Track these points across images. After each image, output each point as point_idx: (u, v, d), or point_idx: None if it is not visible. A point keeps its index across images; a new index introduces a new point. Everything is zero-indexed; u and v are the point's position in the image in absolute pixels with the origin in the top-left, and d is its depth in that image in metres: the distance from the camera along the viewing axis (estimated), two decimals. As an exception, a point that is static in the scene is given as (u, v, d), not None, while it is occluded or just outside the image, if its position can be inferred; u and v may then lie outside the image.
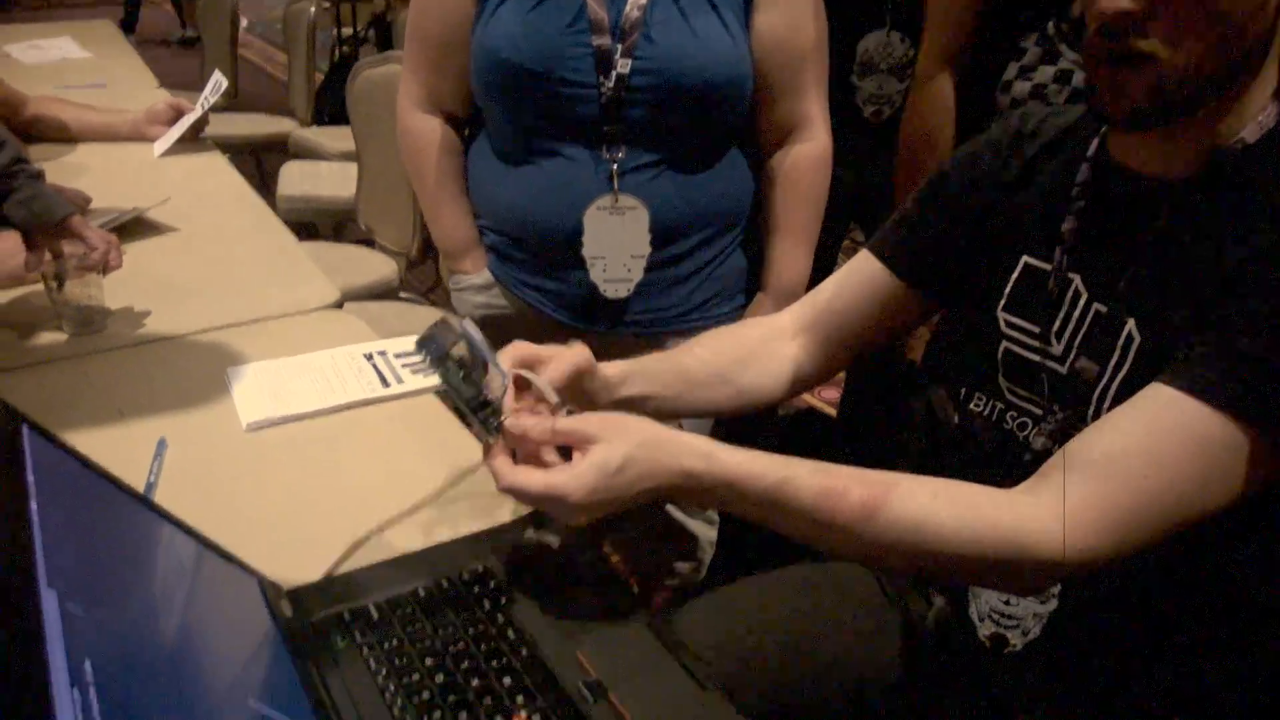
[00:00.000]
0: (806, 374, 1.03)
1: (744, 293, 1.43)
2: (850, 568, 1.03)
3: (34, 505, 0.56)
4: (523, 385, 0.81)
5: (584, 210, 1.25)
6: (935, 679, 0.96)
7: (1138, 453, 0.70)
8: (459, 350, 0.75)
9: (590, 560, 0.90)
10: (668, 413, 0.96)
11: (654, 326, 1.35)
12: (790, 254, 1.39)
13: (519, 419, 0.75)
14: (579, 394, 0.88)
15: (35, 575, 0.51)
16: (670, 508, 1.58)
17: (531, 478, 0.73)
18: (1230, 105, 0.76)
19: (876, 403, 1.69)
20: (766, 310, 1.43)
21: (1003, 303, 0.89)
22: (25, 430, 0.62)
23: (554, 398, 0.80)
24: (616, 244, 1.27)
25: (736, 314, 1.44)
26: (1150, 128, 0.77)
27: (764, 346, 1.03)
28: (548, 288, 1.34)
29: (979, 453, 0.92)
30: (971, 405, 0.93)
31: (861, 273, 1.00)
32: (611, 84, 1.20)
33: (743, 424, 1.45)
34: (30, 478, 0.58)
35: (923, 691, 0.96)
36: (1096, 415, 0.80)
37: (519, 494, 0.74)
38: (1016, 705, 0.90)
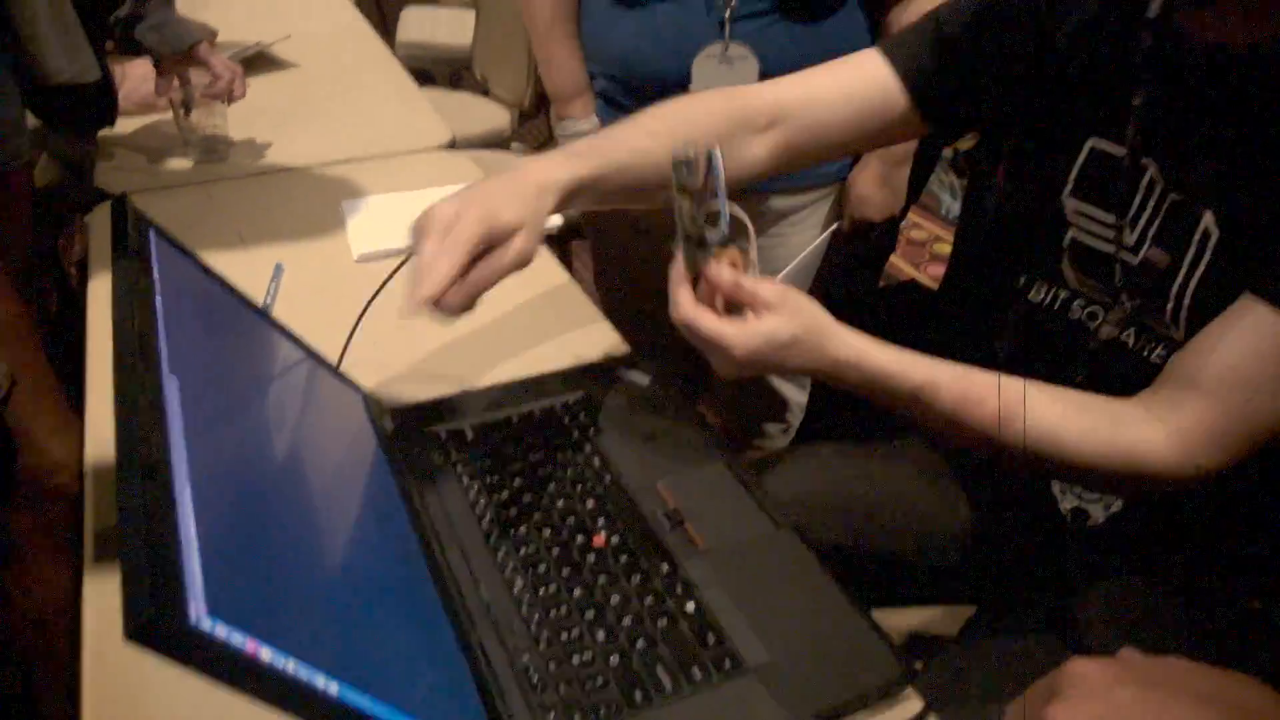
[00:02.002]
0: (764, 172, 0.95)
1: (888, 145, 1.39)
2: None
3: (158, 300, 0.60)
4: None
5: (693, 57, 1.22)
6: (1015, 548, 0.97)
7: (1243, 378, 0.72)
8: (698, 181, 0.76)
9: (680, 407, 0.92)
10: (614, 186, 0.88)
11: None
12: None
13: (722, 267, 0.76)
14: None
15: (159, 361, 0.55)
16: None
17: (707, 318, 0.75)
18: None
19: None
20: (875, 173, 1.39)
21: (1069, 188, 0.84)
22: (152, 234, 0.66)
23: (755, 260, 0.81)
24: None
25: (842, 174, 1.41)
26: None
27: (732, 138, 0.90)
28: None
29: (1044, 340, 0.89)
30: (1030, 294, 0.89)
31: (865, 76, 0.92)
32: None
33: (841, 297, 1.44)
34: (156, 277, 0.62)
35: (1002, 558, 0.97)
36: (1176, 310, 0.78)
37: (690, 327, 0.76)
38: (1095, 576, 0.90)
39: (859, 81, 0.92)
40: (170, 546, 0.44)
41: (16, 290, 1.16)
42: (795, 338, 0.75)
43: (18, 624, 1.08)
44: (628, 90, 1.33)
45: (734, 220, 0.77)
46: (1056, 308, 0.88)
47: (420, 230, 0.75)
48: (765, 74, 1.23)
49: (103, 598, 0.74)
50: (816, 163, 0.97)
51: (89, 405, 0.92)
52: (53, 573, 1.08)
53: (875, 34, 1.32)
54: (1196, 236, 0.76)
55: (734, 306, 0.76)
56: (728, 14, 1.21)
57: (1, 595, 0.96)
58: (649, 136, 0.86)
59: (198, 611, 0.42)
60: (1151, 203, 0.79)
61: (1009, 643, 0.89)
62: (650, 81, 1.29)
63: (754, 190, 1.33)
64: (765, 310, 0.75)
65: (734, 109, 0.91)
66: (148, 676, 0.67)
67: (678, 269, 0.77)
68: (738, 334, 0.74)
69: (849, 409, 1.07)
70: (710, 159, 0.74)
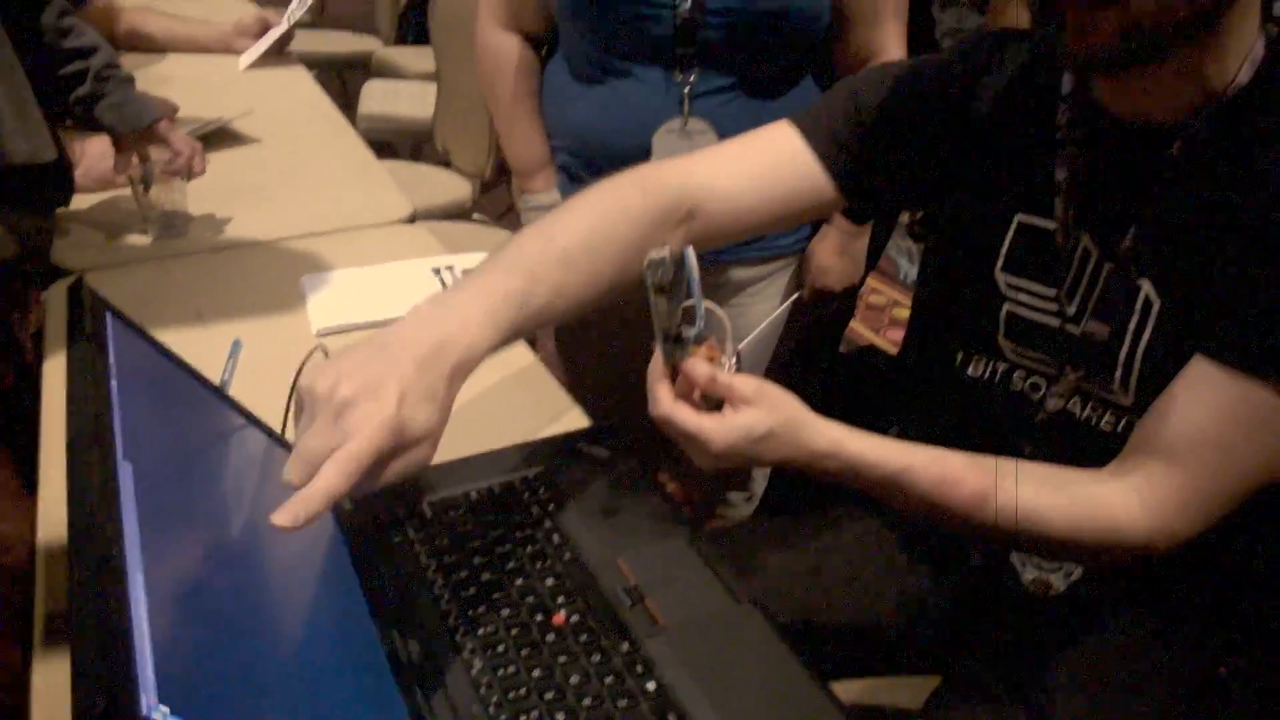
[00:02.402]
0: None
1: (811, 225, 1.43)
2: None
3: (114, 384, 0.60)
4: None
5: (653, 131, 1.25)
6: (978, 618, 0.97)
7: (1209, 440, 0.74)
8: (670, 278, 0.76)
9: (640, 479, 0.92)
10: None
11: (716, 254, 1.35)
12: None
13: (698, 363, 0.77)
14: None
15: (114, 447, 0.54)
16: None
17: (685, 413, 0.76)
18: (1211, 45, 0.72)
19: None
20: (834, 243, 1.42)
21: (1000, 263, 0.86)
22: (109, 317, 0.66)
23: (732, 357, 0.82)
24: None
25: (801, 244, 1.44)
26: (1116, 71, 0.75)
27: (652, 239, 0.86)
28: None
29: (987, 414, 0.91)
30: (970, 370, 0.91)
31: (781, 154, 0.92)
32: (687, 6, 1.20)
33: (801, 364, 1.46)
34: (112, 360, 0.62)
35: (965, 628, 0.97)
36: (1125, 377, 0.79)
37: (668, 423, 0.77)
38: (1060, 645, 0.91)
39: (777, 162, 0.92)
40: (121, 637, 0.43)
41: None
42: (772, 431, 0.76)
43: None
44: (588, 165, 1.36)
45: (709, 315, 0.79)
46: (996, 381, 0.90)
47: (312, 399, 0.64)
48: None
49: (51, 682, 0.72)
50: (733, 241, 0.96)
51: (42, 484, 0.91)
52: (1, 652, 1.05)
53: None
54: (1138, 305, 0.78)
55: (710, 400, 0.77)
56: (687, 90, 1.25)
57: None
58: (566, 268, 0.80)
59: (149, 703, 0.42)
60: (1088, 274, 0.82)
61: (974, 713, 0.89)
62: (611, 155, 1.30)
63: (714, 261, 1.36)
64: (743, 404, 0.76)
65: (650, 206, 0.87)
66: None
67: (655, 365, 0.78)
68: (716, 428, 0.75)
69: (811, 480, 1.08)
70: (683, 258, 0.75)
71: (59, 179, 1.29)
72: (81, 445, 0.53)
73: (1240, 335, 0.72)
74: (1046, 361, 0.86)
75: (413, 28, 3.67)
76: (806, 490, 1.13)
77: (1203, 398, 0.74)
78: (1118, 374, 0.80)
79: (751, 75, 1.26)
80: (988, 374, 0.90)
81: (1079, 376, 0.83)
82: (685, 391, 0.78)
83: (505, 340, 0.74)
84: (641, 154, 1.27)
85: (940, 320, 0.94)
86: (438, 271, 1.32)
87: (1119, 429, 0.82)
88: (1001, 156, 0.86)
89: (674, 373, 0.78)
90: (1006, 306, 0.87)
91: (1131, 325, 0.79)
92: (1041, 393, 0.86)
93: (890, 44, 1.32)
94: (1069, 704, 0.86)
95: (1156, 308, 0.77)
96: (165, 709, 0.42)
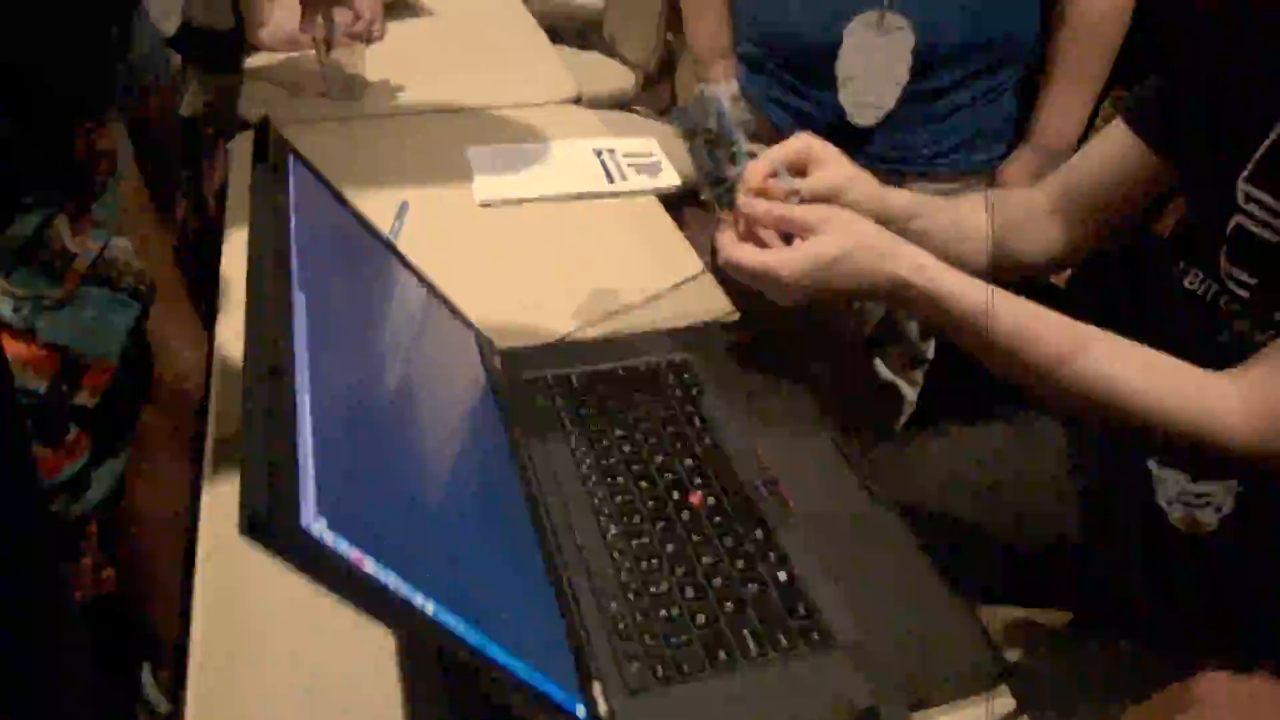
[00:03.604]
0: (1062, 252, 0.97)
1: (1006, 143, 1.33)
2: (1047, 438, 0.99)
3: (293, 219, 0.62)
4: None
5: (845, 23, 1.18)
6: (1121, 557, 0.93)
7: None
8: (710, 125, 0.79)
9: (782, 370, 0.90)
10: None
11: (899, 164, 1.28)
12: (1066, 108, 1.26)
13: (751, 200, 0.77)
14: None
15: (290, 275, 0.56)
16: (877, 363, 1.56)
17: (748, 253, 0.77)
18: None
19: (1109, 277, 1.57)
20: (1027, 167, 1.33)
21: (1247, 172, 0.79)
22: (290, 157, 0.68)
23: (789, 184, 0.82)
24: (874, 65, 1.20)
25: (994, 165, 1.35)
26: None
27: (1027, 218, 0.97)
28: (794, 105, 1.30)
29: (1177, 330, 0.85)
30: (1187, 282, 0.85)
31: (1112, 141, 0.92)
32: None
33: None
34: (292, 196, 0.64)
35: (1107, 566, 0.93)
36: None
37: (737, 268, 0.78)
38: (1205, 590, 0.86)
39: (1105, 144, 0.93)
40: (289, 450, 0.45)
41: (158, 210, 1.22)
42: (844, 252, 0.75)
43: (139, 518, 1.15)
44: (773, 54, 1.30)
45: (752, 158, 0.79)
46: (1208, 299, 0.84)
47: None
48: (920, 47, 1.18)
49: (219, 501, 0.77)
50: (1107, 238, 0.97)
51: (219, 323, 0.96)
52: (176, 473, 1.14)
53: (1045, 18, 1.25)
54: None
55: (789, 237, 0.77)
56: None
57: (127, 491, 1.02)
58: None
59: (310, 515, 0.44)
60: None
61: (1110, 652, 0.85)
62: (798, 44, 1.25)
63: (900, 172, 1.29)
64: (809, 232, 0.75)
65: (1022, 199, 0.96)
66: (256, 578, 0.69)
67: (719, 216, 0.79)
68: (782, 261, 0.75)
69: (961, 400, 1.04)
70: (713, 101, 0.77)
71: (234, 45, 1.34)
72: (261, 269, 0.55)
73: None
74: (1250, 283, 0.79)
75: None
76: (954, 414, 1.11)
77: None
78: None
79: None
80: (1201, 289, 0.84)
81: (1273, 299, 0.77)
82: (757, 236, 0.78)
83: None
84: (831, 46, 1.20)
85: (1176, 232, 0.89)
86: (599, 154, 1.31)
87: None
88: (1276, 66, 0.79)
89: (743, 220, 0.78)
90: (1236, 218, 0.81)
91: None
92: (1234, 312, 0.80)
93: None
94: (1211, 652, 0.82)
95: None
96: (325, 521, 0.44)
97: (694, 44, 1.43)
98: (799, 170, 0.85)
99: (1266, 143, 0.79)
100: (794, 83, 1.28)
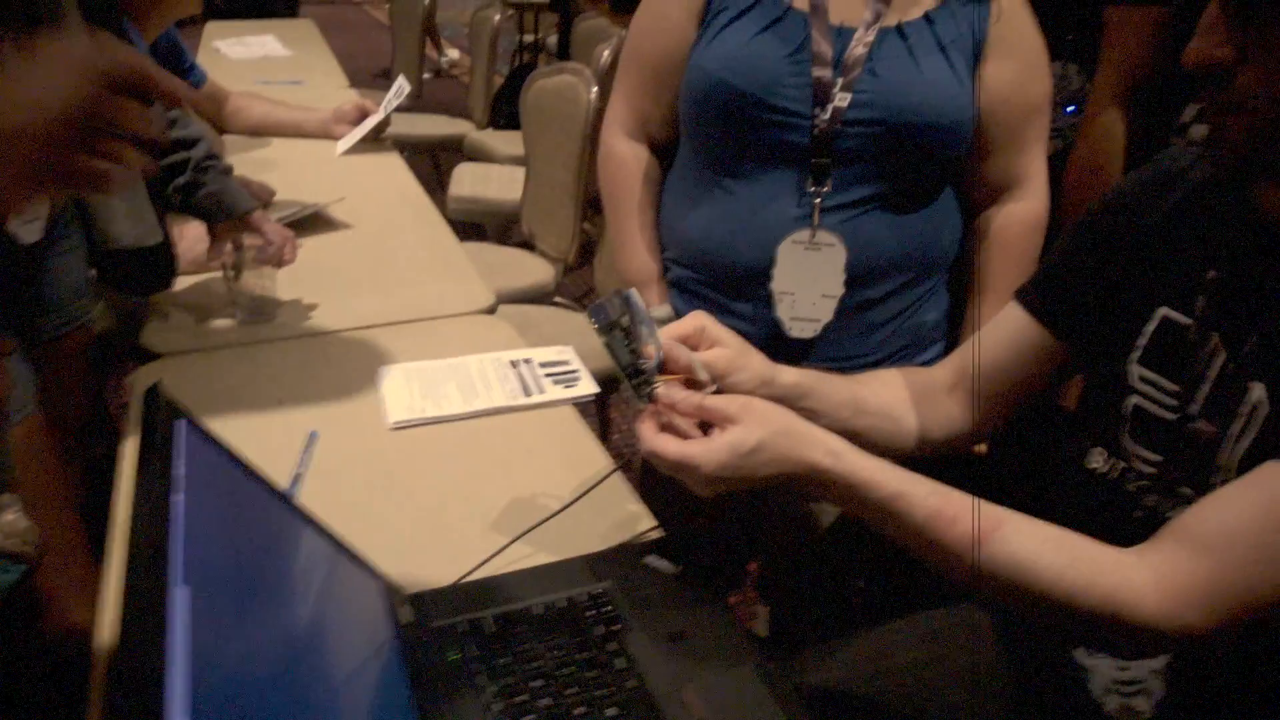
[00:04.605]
0: (961, 430, 1.00)
1: (941, 346, 1.33)
2: (980, 629, 0.98)
3: (180, 499, 0.59)
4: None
5: (779, 243, 1.20)
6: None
7: (1249, 535, 0.69)
8: (625, 319, 0.81)
9: (709, 599, 0.88)
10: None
11: (841, 372, 1.28)
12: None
13: (670, 390, 0.79)
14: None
15: (169, 572, 0.53)
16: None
17: (669, 445, 0.77)
18: None
19: (1023, 448, 1.61)
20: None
21: (1138, 355, 0.84)
22: (183, 427, 0.66)
23: (704, 375, 0.84)
24: (808, 281, 1.21)
25: (931, 364, 1.36)
26: (1252, 177, 0.74)
27: (925, 396, 1.00)
28: (730, 323, 1.30)
29: (1090, 508, 0.87)
30: (1091, 462, 0.88)
31: (1009, 323, 0.96)
32: (826, 116, 1.15)
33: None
34: (181, 470, 0.62)
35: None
36: (1224, 483, 0.75)
37: (657, 459, 0.78)
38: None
39: (1003, 327, 0.98)
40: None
41: (61, 452, 1.18)
42: (762, 442, 0.76)
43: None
44: (705, 276, 1.29)
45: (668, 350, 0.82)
46: (1114, 478, 0.85)
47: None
48: (852, 262, 1.20)
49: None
50: (1005, 415, 1.00)
51: (109, 572, 0.91)
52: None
53: (966, 235, 1.29)
54: (1247, 409, 0.75)
55: (707, 427, 0.78)
56: (818, 201, 1.18)
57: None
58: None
59: None
60: (1212, 374, 0.79)
61: None
62: (732, 265, 1.25)
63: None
64: (729, 422, 0.76)
65: (920, 377, 1.01)
66: None
67: (639, 407, 0.80)
68: (702, 451, 0.76)
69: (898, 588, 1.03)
70: (628, 298, 0.79)
71: (163, 263, 1.33)
72: (137, 573, 0.52)
73: None
74: (1155, 461, 0.82)
75: (504, 113, 3.78)
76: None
77: (1257, 496, 0.70)
78: (1216, 479, 0.77)
79: (887, 189, 1.19)
80: (1106, 469, 0.86)
81: (1178, 476, 0.79)
82: (676, 426, 0.79)
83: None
84: (764, 266, 1.21)
85: (1076, 413, 0.93)
86: (515, 365, 1.31)
87: None
88: (1164, 258, 0.85)
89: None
90: (1134, 399, 0.84)
91: (1236, 429, 0.75)
92: (1143, 489, 0.82)
93: (1033, 170, 1.25)
94: None
95: (1264, 413, 0.74)
96: None
97: (625, 270, 1.40)
98: (692, 347, 0.88)
99: (1152, 325, 0.83)
100: (726, 302, 1.27)
